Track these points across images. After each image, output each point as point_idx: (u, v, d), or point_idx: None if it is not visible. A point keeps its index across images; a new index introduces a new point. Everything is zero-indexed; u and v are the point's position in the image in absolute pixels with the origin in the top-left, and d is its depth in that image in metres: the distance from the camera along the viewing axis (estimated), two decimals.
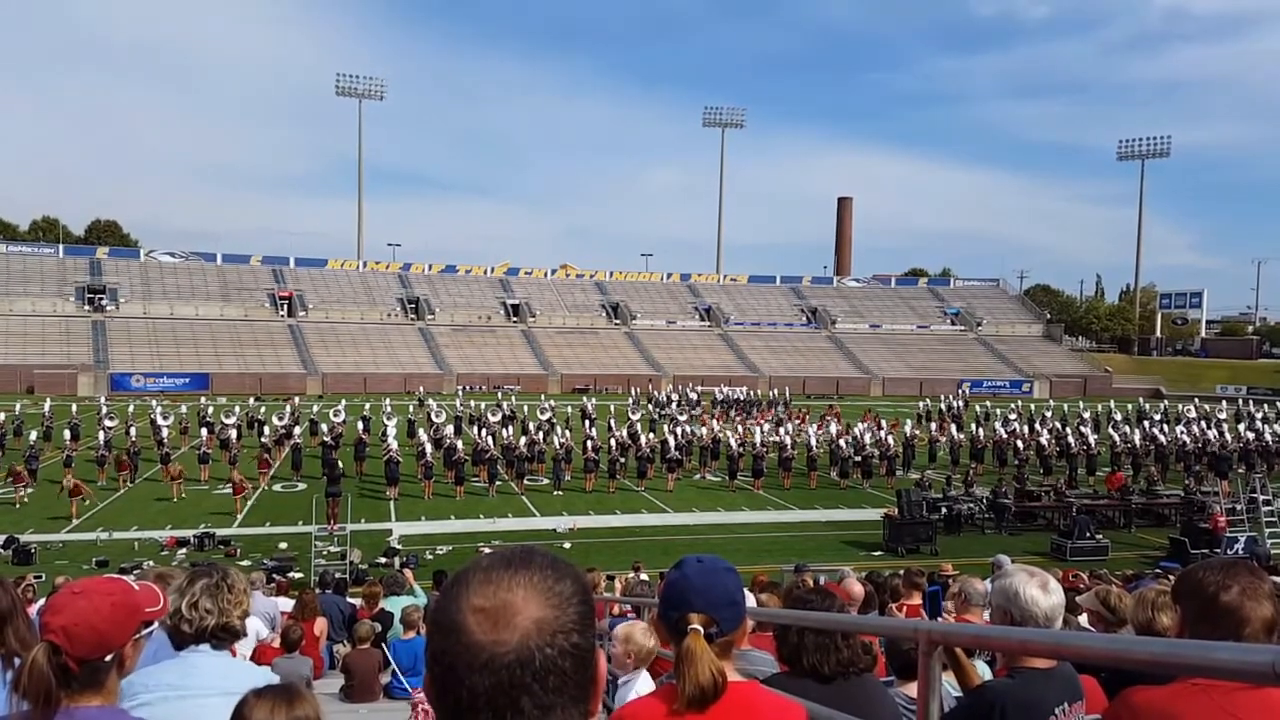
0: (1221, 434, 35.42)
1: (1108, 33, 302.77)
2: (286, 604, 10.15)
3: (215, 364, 58.99)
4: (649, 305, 77.50)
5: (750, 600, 4.26)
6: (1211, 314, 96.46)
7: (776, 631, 2.91)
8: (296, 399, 45.29)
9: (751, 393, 53.34)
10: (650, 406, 46.32)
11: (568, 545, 21.74)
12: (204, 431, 31.58)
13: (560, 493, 27.77)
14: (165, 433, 31.29)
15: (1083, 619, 5.59)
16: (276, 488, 28.21)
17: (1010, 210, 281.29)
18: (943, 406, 46.51)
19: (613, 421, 35.07)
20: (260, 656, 7.20)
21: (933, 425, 40.38)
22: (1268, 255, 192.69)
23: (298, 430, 32.87)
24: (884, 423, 36.94)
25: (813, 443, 31.68)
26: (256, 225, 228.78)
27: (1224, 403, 50.57)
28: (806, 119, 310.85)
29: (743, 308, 79.14)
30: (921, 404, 48.30)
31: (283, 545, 21.11)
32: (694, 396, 49.73)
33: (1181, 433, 35.53)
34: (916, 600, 7.86)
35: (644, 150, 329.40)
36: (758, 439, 30.84)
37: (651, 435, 32.73)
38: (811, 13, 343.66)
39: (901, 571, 9.85)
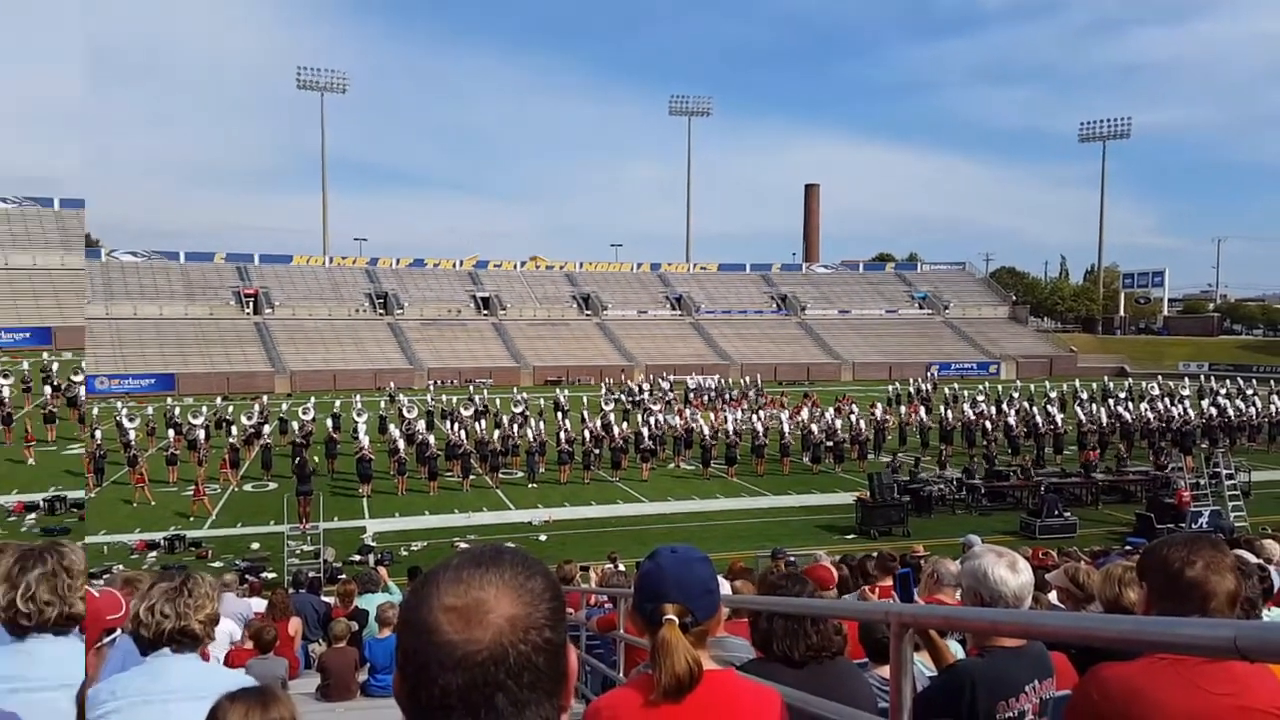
0: (1185, 410, 36.02)
1: (1068, 16, 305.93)
2: (260, 605, 10.05)
3: (181, 364, 58.09)
4: (620, 296, 77.43)
5: (725, 587, 4.28)
6: (1173, 292, 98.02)
7: (750, 618, 2.92)
8: (265, 398, 44.75)
9: (723, 380, 53.53)
10: (623, 397, 46.35)
11: (543, 538, 21.74)
12: (171, 433, 31.14)
13: (535, 485, 27.74)
14: (132, 435, 30.83)
15: (1053, 596, 5.68)
16: (247, 488, 27.92)
17: (975, 194, 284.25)
18: (912, 390, 46.95)
19: (586, 413, 35.03)
20: (233, 659, 7.13)
21: (903, 408, 40.74)
22: (1227, 233, 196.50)
23: (267, 429, 32.51)
24: (855, 407, 37.25)
25: (785, 429, 31.87)
26: (219, 222, 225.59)
27: (1186, 379, 51.50)
28: (773, 107, 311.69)
29: (713, 296, 79.31)
30: (891, 388, 48.74)
31: (255, 546, 20.90)
32: (666, 385, 49.82)
33: (1146, 410, 36.15)
34: (888, 582, 7.93)
35: (612, 141, 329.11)
36: (730, 427, 30.96)
37: (625, 425, 32.75)
38: (776, 1, 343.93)
39: (874, 554, 9.93)
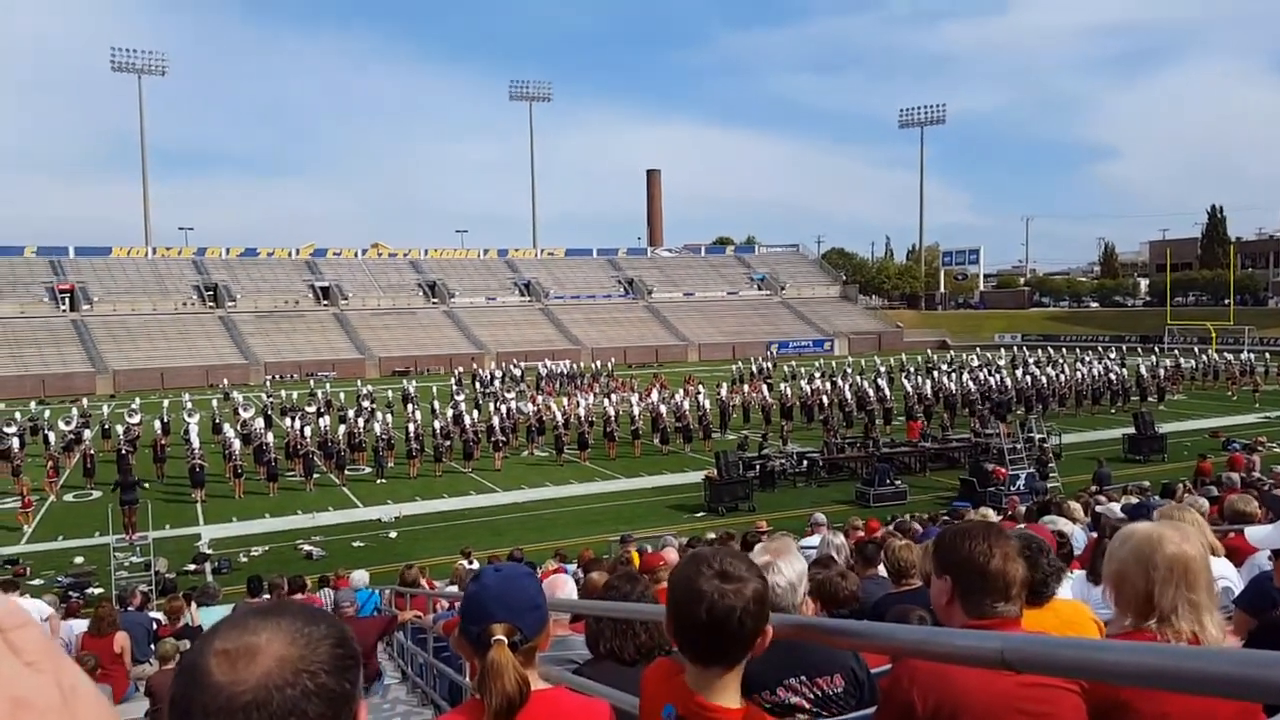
0: (1001, 379, 38.85)
1: (888, 8, 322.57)
2: (81, 626, 9.41)
3: None
4: (467, 282, 76.17)
5: (570, 588, 4.36)
6: (988, 268, 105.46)
7: (582, 618, 3.01)
8: (84, 400, 41.59)
9: (574, 365, 53.73)
10: (475, 385, 45.73)
11: (394, 534, 21.26)
12: None
13: (384, 481, 27.02)
14: None
15: (881, 569, 6.08)
16: (68, 498, 25.94)
17: (807, 177, 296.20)
18: (754, 368, 48.60)
19: (436, 403, 34.34)
20: None
21: (745, 387, 42.07)
22: (1034, 212, 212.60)
23: (88, 434, 30.24)
24: (702, 387, 38.20)
25: (635, 412, 32.34)
26: (29, 215, 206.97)
27: (1002, 350, 55.66)
28: (612, 94, 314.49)
29: (561, 281, 79.26)
30: (734, 367, 50.24)
31: (78, 559, 19.46)
32: (518, 373, 49.51)
33: (967, 380, 38.73)
34: None
35: (454, 124, 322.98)
36: (582, 412, 31.12)
37: (477, 415, 32.33)
38: None
39: (717, 534, 10.31)
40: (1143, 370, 40.36)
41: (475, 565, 12.69)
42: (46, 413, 36.38)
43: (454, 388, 42.68)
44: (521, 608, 1.81)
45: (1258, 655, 0.85)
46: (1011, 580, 2.12)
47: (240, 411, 33.66)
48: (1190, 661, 0.92)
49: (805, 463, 25.89)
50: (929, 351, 57.00)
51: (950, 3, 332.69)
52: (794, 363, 51.57)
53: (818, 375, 40.65)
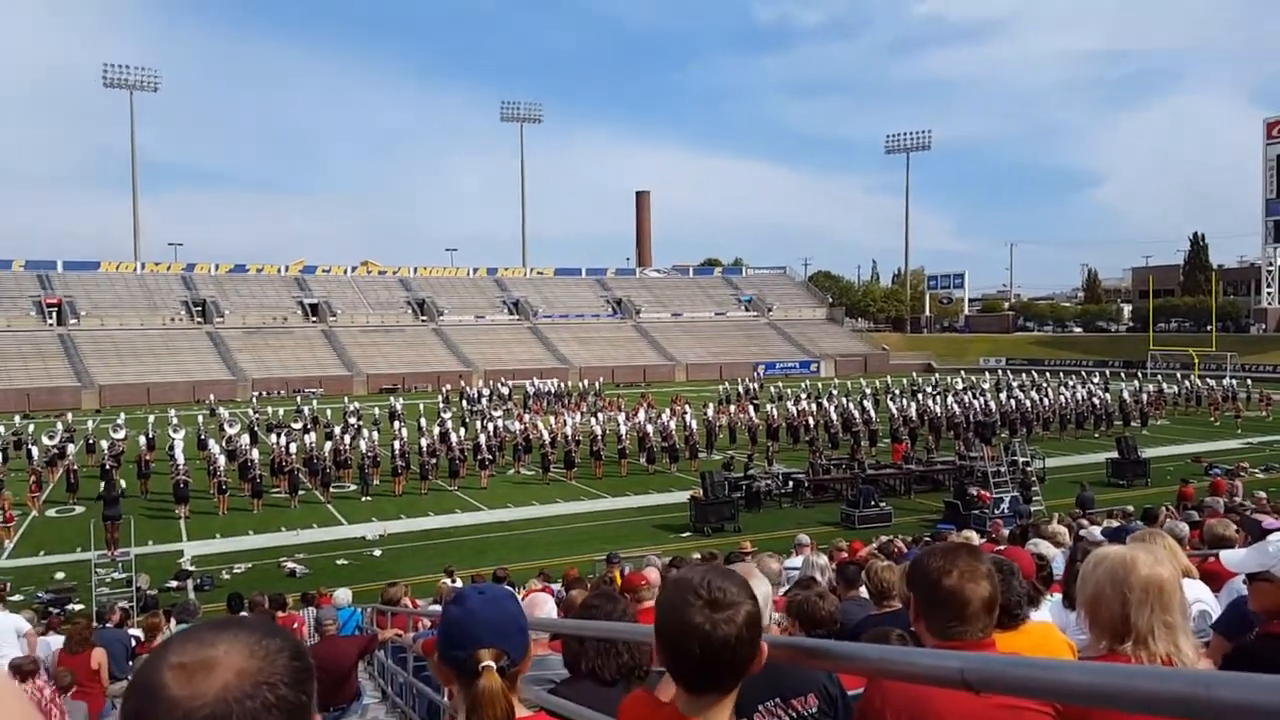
0: (985, 403, 38.94)
1: (873, 36, 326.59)
2: (58, 641, 9.31)
3: None
4: (456, 301, 76.11)
5: (550, 608, 4.37)
6: (973, 293, 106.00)
7: (562, 637, 2.99)
8: (69, 415, 41.25)
9: (562, 384, 53.68)
10: (463, 403, 45.57)
11: (378, 552, 21.13)
12: None
13: (369, 498, 26.87)
14: None
15: (863, 591, 6.10)
16: (50, 513, 25.71)
17: (795, 201, 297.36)
18: (740, 389, 48.65)
19: (423, 421, 34.19)
20: None
21: (732, 407, 42.08)
22: (1019, 238, 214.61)
23: (71, 449, 29.98)
24: (689, 408, 38.20)
25: (622, 431, 32.29)
26: (16, 227, 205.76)
27: (986, 374, 55.90)
28: (603, 115, 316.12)
29: (550, 300, 79.31)
30: (721, 387, 50.26)
31: (60, 575, 19.28)
32: (505, 391, 49.42)
33: (951, 403, 38.80)
34: None
35: (445, 144, 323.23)
36: (569, 430, 31.05)
37: (464, 433, 32.21)
38: (599, 10, 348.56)
39: (702, 555, 10.30)
40: (1126, 395, 40.54)
41: (459, 584, 12.63)
42: (30, 427, 36.06)
43: (441, 405, 42.55)
44: (508, 631, 1.73)
45: (1211, 675, 0.88)
46: (967, 600, 2.07)
47: (226, 427, 33.43)
48: (1145, 681, 0.94)
49: (790, 484, 25.88)
50: (914, 374, 57.28)
51: (938, 30, 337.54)
52: (780, 384, 51.64)
53: (804, 396, 40.70)
